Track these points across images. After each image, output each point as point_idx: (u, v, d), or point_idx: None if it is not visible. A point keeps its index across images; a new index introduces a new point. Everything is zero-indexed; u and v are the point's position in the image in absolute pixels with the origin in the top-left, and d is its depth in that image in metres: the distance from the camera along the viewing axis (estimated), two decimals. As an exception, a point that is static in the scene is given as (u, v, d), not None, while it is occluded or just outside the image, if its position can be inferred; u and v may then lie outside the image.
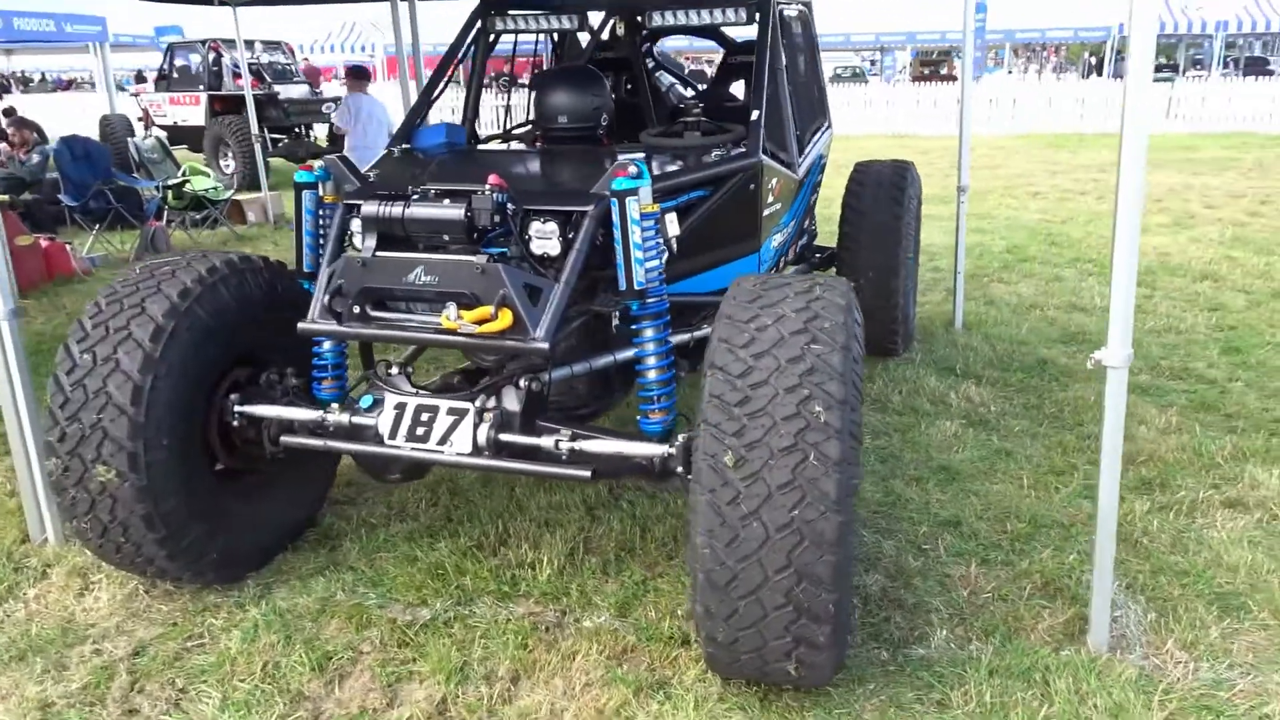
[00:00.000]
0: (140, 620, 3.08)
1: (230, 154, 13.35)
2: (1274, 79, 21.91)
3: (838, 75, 33.80)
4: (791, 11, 4.44)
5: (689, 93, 5.28)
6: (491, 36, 4.27)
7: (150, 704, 2.69)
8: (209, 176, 10.04)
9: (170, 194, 9.39)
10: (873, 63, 42.45)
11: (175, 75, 14.84)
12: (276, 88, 14.00)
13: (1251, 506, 3.63)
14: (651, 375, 2.92)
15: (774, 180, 3.67)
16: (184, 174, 9.75)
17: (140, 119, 15.86)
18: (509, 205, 2.76)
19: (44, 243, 8.07)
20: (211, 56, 14.19)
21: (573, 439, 2.78)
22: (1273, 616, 2.94)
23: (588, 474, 2.72)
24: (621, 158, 2.80)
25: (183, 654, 2.90)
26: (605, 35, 4.55)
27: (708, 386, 2.36)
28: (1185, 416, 4.50)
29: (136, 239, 9.00)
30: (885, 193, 5.17)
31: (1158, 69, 31.60)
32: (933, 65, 36.76)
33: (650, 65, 5.19)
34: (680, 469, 2.68)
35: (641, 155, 2.96)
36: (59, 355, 2.92)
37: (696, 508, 2.32)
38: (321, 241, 3.12)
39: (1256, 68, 29.55)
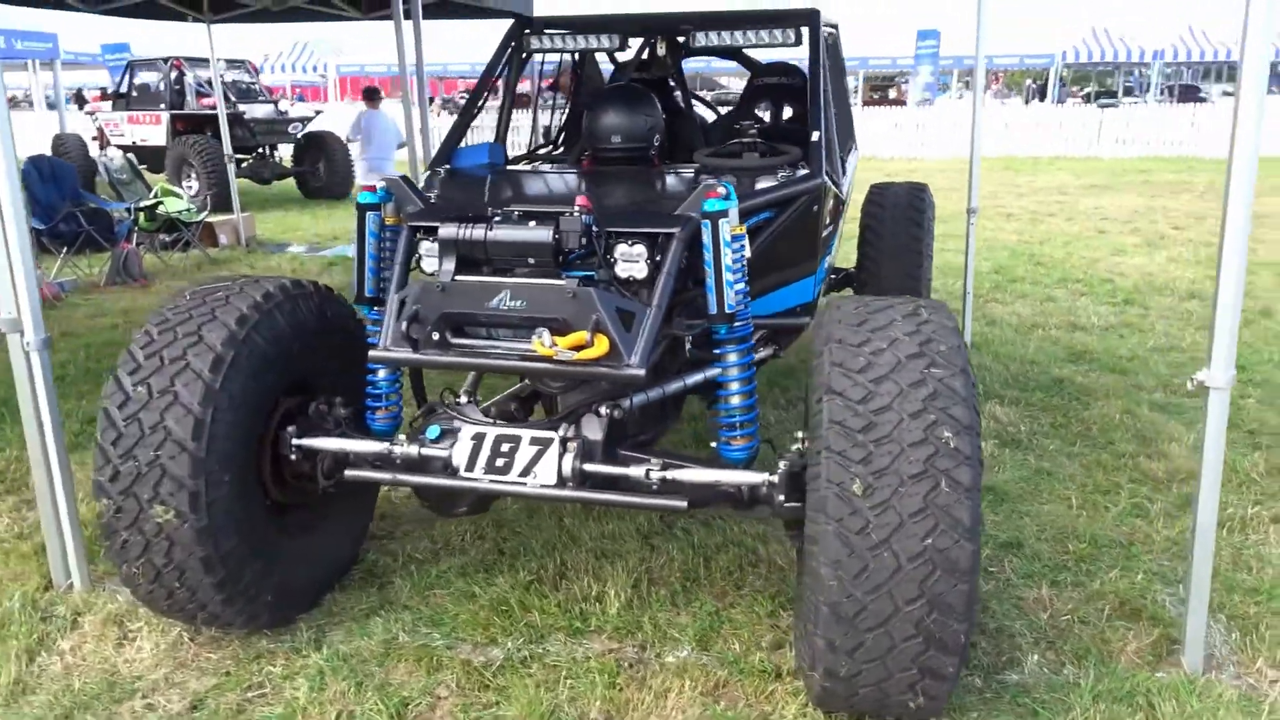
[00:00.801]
0: (190, 670, 2.90)
1: (194, 174, 13.00)
2: (1210, 106, 22.70)
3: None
4: (826, 34, 4.44)
5: (710, 115, 5.25)
6: (525, 55, 4.19)
7: (221, 760, 2.52)
8: (181, 198, 9.74)
9: (142, 216, 9.08)
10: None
11: (134, 94, 14.42)
12: (241, 107, 13.69)
13: (1299, 522, 3.68)
14: (735, 400, 2.85)
15: (829, 202, 3.64)
16: (156, 195, 9.43)
17: (95, 138, 15.40)
18: (594, 227, 2.68)
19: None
20: (174, 75, 13.82)
21: (664, 468, 2.68)
22: (1351, 633, 2.95)
23: (684, 504, 2.63)
24: (709, 181, 2.73)
25: (245, 705, 2.72)
26: (644, 56, 4.50)
27: (827, 412, 2.30)
28: (1211, 434, 4.56)
29: (107, 263, 8.67)
30: (904, 214, 5.19)
31: (1098, 95, 32.70)
32: (882, 89, 37.57)
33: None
34: (782, 497, 2.59)
35: (712, 175, 2.90)
36: (108, 388, 2.74)
37: (820, 538, 2.24)
38: (384, 265, 3.00)
39: (1189, 95, 30.71)
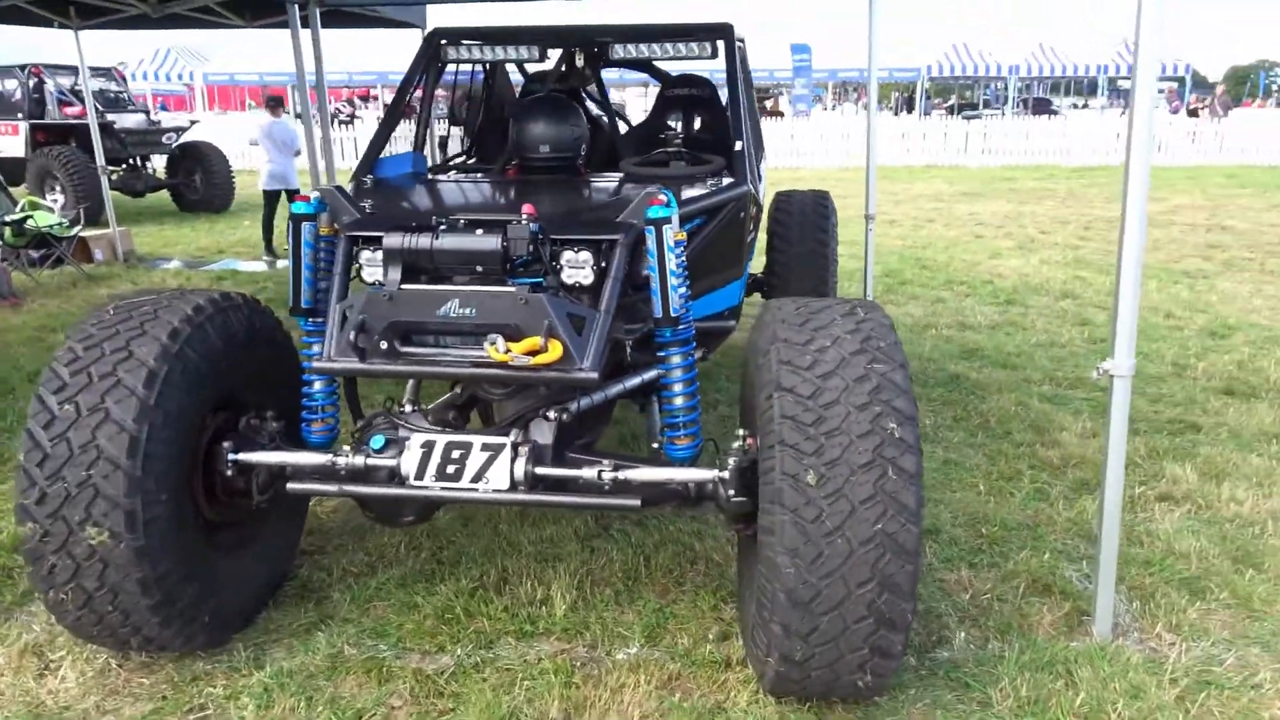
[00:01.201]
0: (122, 697, 2.79)
1: (59, 188, 12.28)
2: (1061, 119, 24.27)
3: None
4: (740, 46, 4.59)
5: (622, 125, 5.34)
6: (441, 66, 4.18)
7: (170, 787, 2.43)
8: (52, 212, 9.19)
9: (9, 231, 8.53)
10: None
11: (-13, 102, 13.52)
12: (110, 116, 12.99)
13: (1179, 499, 4.02)
14: (679, 401, 2.94)
15: (753, 208, 3.78)
16: (23, 209, 8.87)
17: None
18: (540, 234, 2.72)
19: None
20: (33, 82, 13.02)
21: (615, 469, 2.74)
22: (1232, 596, 3.26)
23: (637, 503, 2.69)
24: (650, 189, 2.82)
25: (189, 729, 2.64)
26: (563, 67, 4.55)
27: (778, 408, 2.41)
28: (1095, 422, 4.93)
29: (-28, 280, 8.11)
30: (810, 221, 5.40)
31: (961, 108, 34.53)
32: (760, 101, 38.56)
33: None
34: (731, 492, 2.69)
35: (637, 183, 2.99)
36: (32, 407, 2.62)
37: (776, 528, 2.35)
38: (320, 275, 2.96)
39: (1041, 108, 32.74)
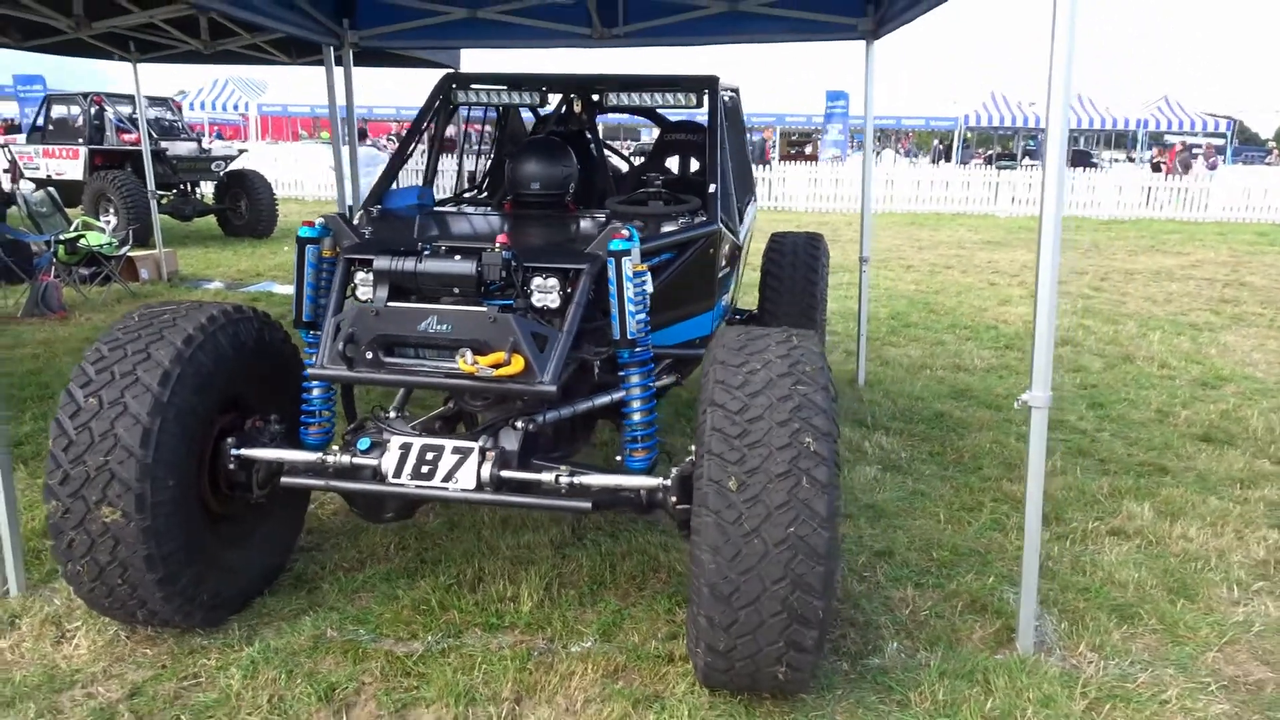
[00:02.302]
0: (127, 664, 3.11)
1: (112, 209, 12.95)
2: (1098, 171, 24.36)
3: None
4: (727, 97, 4.94)
5: (624, 166, 5.70)
6: (452, 107, 4.57)
7: (159, 739, 2.74)
8: (103, 232, 9.77)
9: (62, 249, 9.09)
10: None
11: (51, 127, 14.31)
12: (164, 144, 13.70)
13: (1131, 534, 4.21)
14: (637, 417, 3.23)
15: (725, 246, 4.08)
16: (77, 229, 9.45)
17: (6, 170, 15.16)
18: (513, 261, 3.05)
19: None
20: (94, 110, 13.79)
21: (571, 474, 3.04)
22: (1160, 622, 3.45)
23: (588, 505, 2.98)
24: (614, 224, 3.14)
25: (182, 693, 2.95)
26: (563, 111, 4.93)
27: (709, 421, 2.69)
28: (1067, 461, 5.12)
29: (24, 294, 8.66)
30: (802, 260, 5.69)
31: (998, 158, 34.66)
32: (798, 145, 39.00)
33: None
34: (674, 499, 2.97)
35: (634, 222, 3.31)
36: (62, 399, 2.98)
37: (701, 528, 2.62)
38: (321, 293, 3.31)
39: (1081, 160, 32.78)
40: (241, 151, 16.22)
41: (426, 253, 3.06)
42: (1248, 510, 4.50)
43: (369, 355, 3.01)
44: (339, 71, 6.43)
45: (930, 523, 4.30)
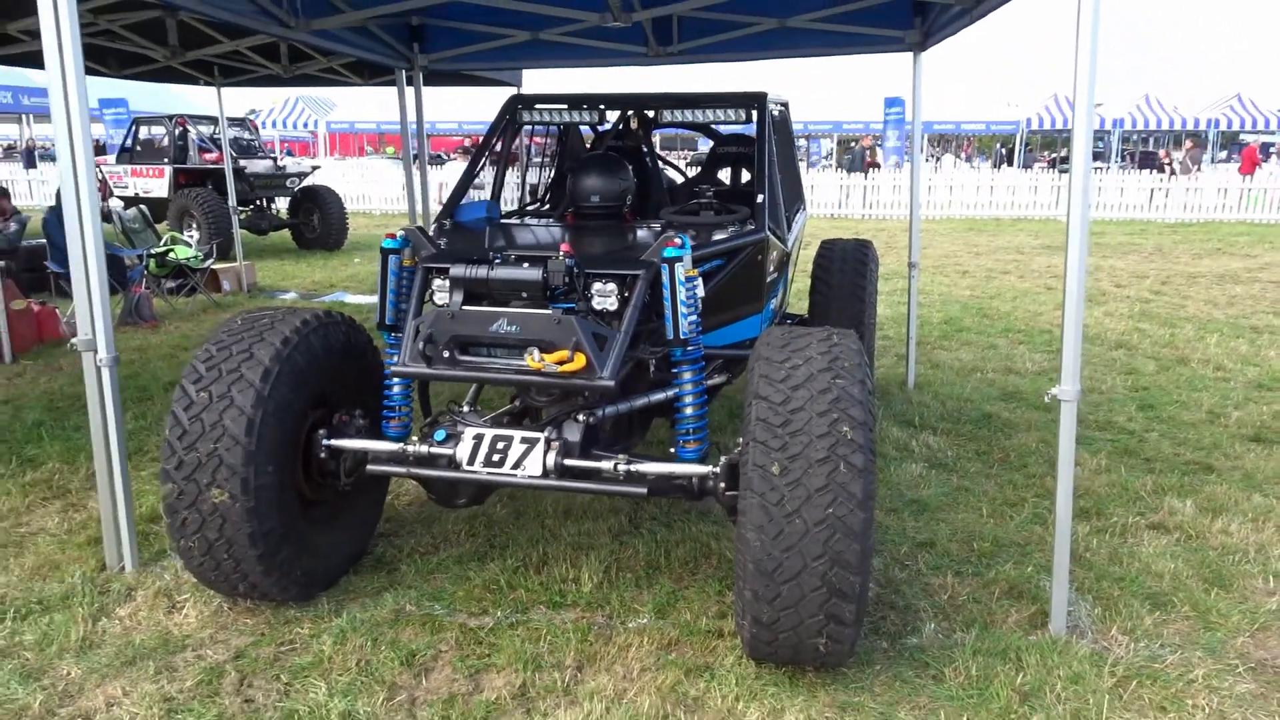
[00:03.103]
0: (231, 631, 3.47)
1: (195, 224, 13.66)
2: (1164, 174, 23.91)
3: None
4: (776, 111, 5.18)
5: (679, 177, 5.99)
6: (518, 126, 4.90)
7: (263, 695, 3.08)
8: (190, 246, 10.38)
9: (153, 262, 9.70)
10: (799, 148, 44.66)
11: (139, 148, 15.14)
12: (242, 162, 14.40)
13: (1171, 529, 4.33)
14: (689, 411, 3.49)
15: (774, 253, 4.33)
16: (166, 243, 10.07)
17: (98, 189, 16.05)
18: (575, 268, 3.34)
19: (35, 307, 8.32)
20: (178, 131, 14.56)
21: (629, 463, 3.32)
22: (1193, 610, 3.59)
23: (644, 491, 3.25)
24: (667, 233, 3.41)
25: (280, 656, 3.29)
26: (620, 128, 5.23)
27: (754, 412, 2.94)
28: (1112, 460, 5.24)
29: (120, 305, 9.26)
30: (850, 266, 5.90)
31: (1060, 161, 34.14)
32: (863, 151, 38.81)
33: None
34: (723, 485, 3.23)
35: (674, 229, 3.58)
36: (176, 394, 3.35)
37: (747, 509, 2.87)
38: (402, 299, 3.65)
39: (1148, 162, 32.11)
40: (315, 168, 16.92)
41: (497, 261, 3.37)
42: (1292, 507, 4.58)
43: (446, 354, 3.33)
44: (409, 92, 6.83)
45: (972, 516, 4.48)
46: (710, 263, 3.90)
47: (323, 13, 5.31)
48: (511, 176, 5.74)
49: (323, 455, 3.59)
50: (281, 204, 16.06)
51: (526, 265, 3.33)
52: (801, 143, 44.55)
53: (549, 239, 4.06)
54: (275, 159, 16.02)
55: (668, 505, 4.50)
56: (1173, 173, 23.33)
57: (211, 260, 10.48)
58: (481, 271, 3.36)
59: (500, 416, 3.92)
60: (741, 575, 2.92)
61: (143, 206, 11.05)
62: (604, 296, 3.41)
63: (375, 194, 23.16)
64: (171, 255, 9.79)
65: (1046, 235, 17.65)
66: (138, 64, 8.33)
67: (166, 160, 14.60)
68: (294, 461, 3.53)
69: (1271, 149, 30.90)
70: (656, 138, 5.53)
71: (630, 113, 5.04)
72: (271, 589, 3.49)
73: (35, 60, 7.97)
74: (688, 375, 3.48)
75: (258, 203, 15.06)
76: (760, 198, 4.18)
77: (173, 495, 3.31)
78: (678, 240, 3.36)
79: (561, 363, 3.17)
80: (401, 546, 4.15)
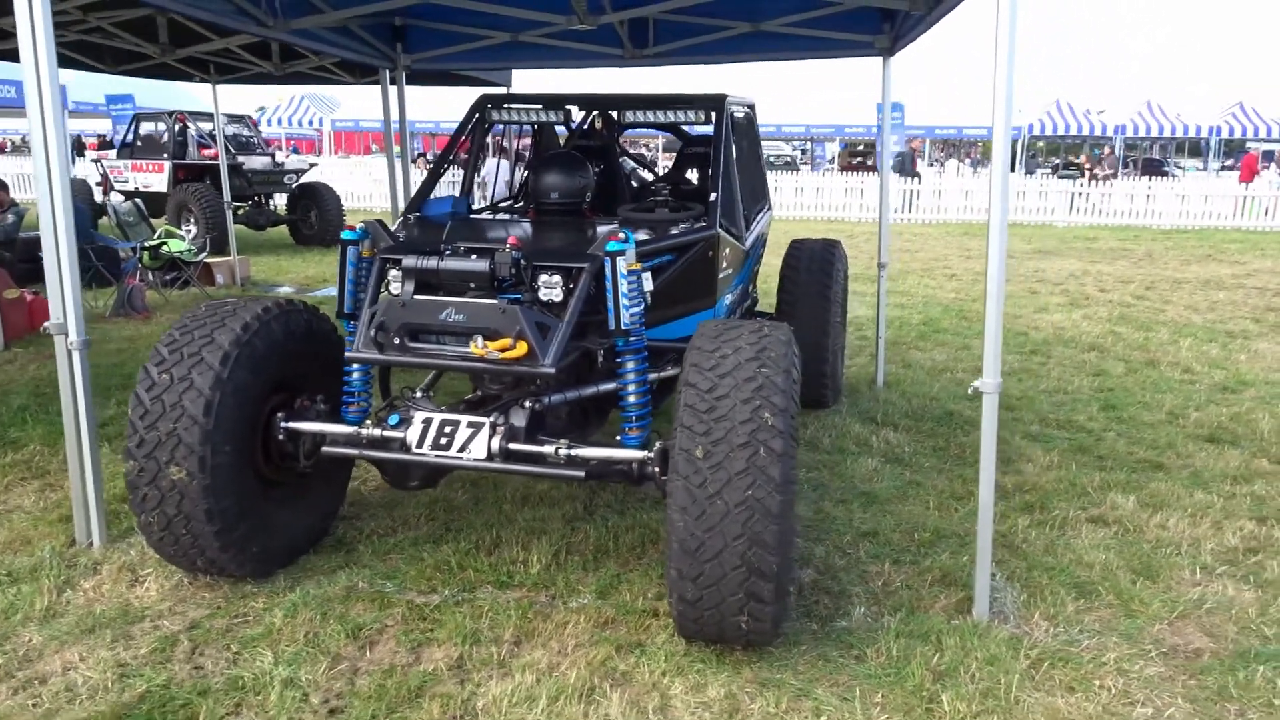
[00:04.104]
0: (189, 604, 3.61)
1: (193, 219, 13.84)
2: (1166, 180, 23.96)
3: (771, 163, 35.78)
4: (740, 112, 5.32)
5: (649, 175, 6.13)
6: (487, 125, 5.05)
7: (212, 663, 3.22)
8: (183, 240, 10.55)
9: (146, 255, 9.87)
10: (803, 151, 44.76)
11: (139, 143, 15.34)
12: (240, 158, 14.59)
13: (1110, 523, 4.46)
14: (632, 399, 3.63)
15: (727, 250, 4.47)
16: (160, 236, 10.24)
17: (99, 183, 16.28)
18: (522, 261, 3.49)
19: (29, 296, 8.49)
20: (178, 127, 14.76)
21: (569, 447, 3.46)
22: (1117, 599, 3.71)
23: (581, 474, 3.40)
24: (611, 227, 3.55)
25: (233, 627, 3.44)
26: (585, 127, 5.38)
27: (682, 399, 3.08)
28: (1065, 457, 5.36)
29: (112, 296, 9.45)
30: (817, 265, 6.03)
31: (1064, 167, 34.20)
32: (859, 156, 38.91)
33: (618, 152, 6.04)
34: (656, 470, 3.37)
35: (630, 225, 3.72)
36: (140, 375, 3.51)
37: (673, 491, 3.01)
38: (360, 288, 3.79)
39: (1153, 169, 32.12)
40: (312, 165, 17.10)
41: (447, 253, 3.51)
42: (1232, 504, 4.69)
43: (396, 341, 3.48)
44: (393, 91, 6.98)
45: (919, 509, 4.61)
46: (659, 257, 4.03)
47: (302, 12, 5.47)
48: (503, 174, 5.88)
49: (280, 438, 3.73)
50: (280, 201, 16.24)
51: (474, 257, 3.47)
52: (805, 146, 44.74)
53: (502, 234, 4.21)
54: (273, 156, 16.21)
55: (622, 493, 4.64)
56: (1093, 177, 23.72)
57: (204, 254, 10.65)
58: (432, 263, 3.50)
59: (457, 404, 4.06)
60: (669, 555, 3.06)
61: (138, 200, 11.24)
62: (550, 288, 3.55)
63: (379, 192, 23.34)
64: (165, 248, 9.96)
65: (1039, 240, 17.75)
66: (133, 60, 8.50)
67: (166, 156, 14.80)
68: (253, 442, 3.68)
69: (1273, 157, 30.90)
70: (628, 138, 5.65)
71: (595, 113, 5.18)
72: (228, 565, 3.64)
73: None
74: (630, 365, 3.62)
75: (256, 199, 15.25)
76: (713, 196, 4.32)
77: (134, 472, 3.46)
78: (621, 235, 3.50)
79: (504, 350, 3.31)
80: (362, 528, 4.29)
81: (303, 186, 15.55)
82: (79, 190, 15.33)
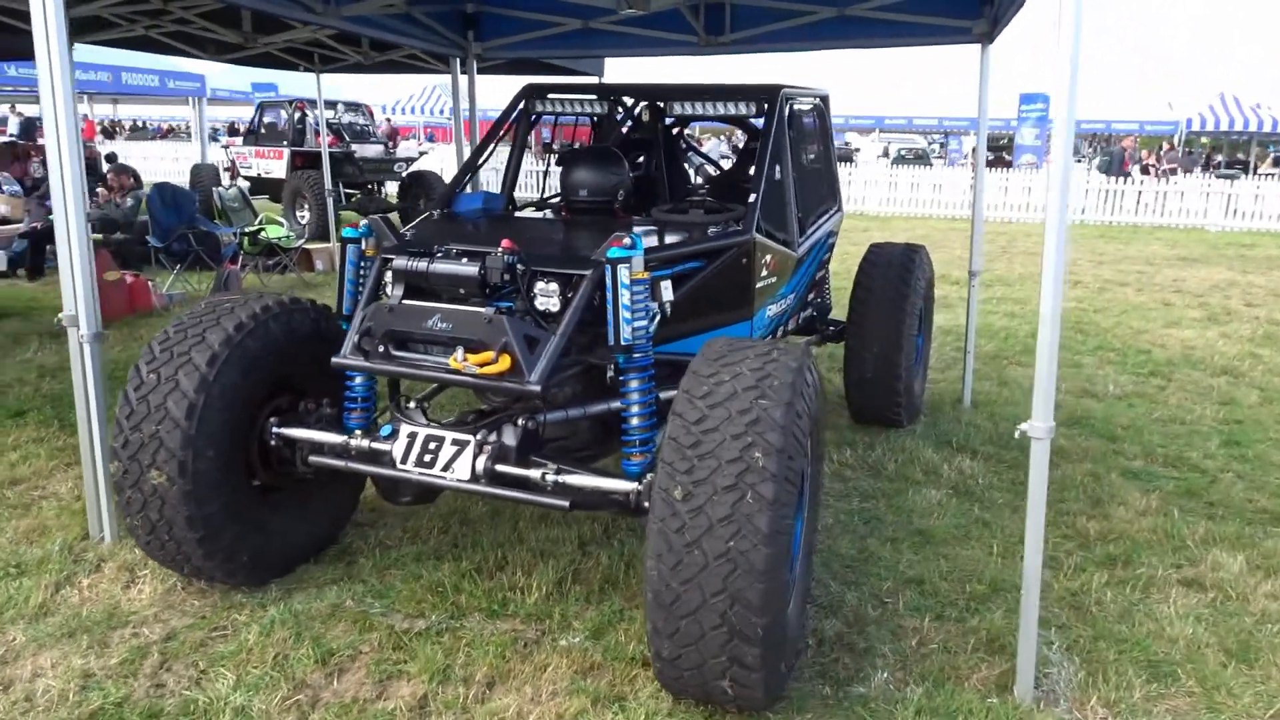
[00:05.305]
0: (175, 611, 3.50)
1: (306, 205, 14.24)
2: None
3: (901, 157, 34.33)
4: (804, 105, 4.87)
5: (715, 172, 5.74)
6: (533, 116, 4.78)
7: (175, 680, 3.08)
8: (282, 226, 10.80)
9: (246, 240, 10.13)
10: (942, 144, 42.82)
11: (263, 130, 15.92)
12: (354, 146, 14.92)
13: (1208, 586, 3.82)
14: (634, 422, 3.29)
15: (768, 256, 4.05)
16: (260, 222, 10.50)
17: (227, 169, 17.02)
18: (519, 265, 3.19)
19: (129, 279, 8.82)
20: (297, 115, 15.22)
21: (558, 473, 3.14)
22: (1199, 685, 3.13)
23: (566, 504, 3.08)
24: (620, 230, 3.21)
25: (208, 641, 3.30)
26: (634, 120, 5.04)
27: (668, 430, 2.72)
28: (1166, 501, 4.69)
29: (212, 279, 9.72)
30: (894, 273, 5.51)
31: (1228, 165, 31.43)
32: (994, 151, 36.89)
33: (683, 146, 5.68)
34: (647, 503, 3.01)
35: (647, 228, 3.37)
36: (130, 373, 3.40)
37: (650, 535, 2.66)
38: (360, 288, 3.59)
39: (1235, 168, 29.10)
40: (423, 153, 17.36)
41: (439, 254, 3.25)
42: (1367, 573, 3.96)
43: (381, 348, 3.25)
44: (463, 80, 6.82)
45: (980, 553, 4.08)
46: (685, 264, 3.67)
47: (353, -1, 5.34)
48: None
49: (273, 443, 3.57)
50: (392, 188, 16.55)
51: (465, 260, 3.20)
52: (938, 139, 42.78)
53: (520, 234, 3.92)
54: (386, 145, 16.52)
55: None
56: (1147, 171, 21.39)
57: (302, 240, 10.87)
58: (422, 265, 3.25)
59: (467, 414, 3.81)
60: (646, 605, 2.71)
61: (242, 185, 11.56)
62: (546, 296, 3.25)
63: (495, 181, 23.61)
64: (263, 234, 10.19)
65: (1186, 246, 16.25)
66: (232, 50, 8.67)
67: (285, 143, 15.29)
68: (245, 447, 3.53)
69: None
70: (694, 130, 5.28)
71: (642, 105, 4.83)
72: (215, 572, 3.51)
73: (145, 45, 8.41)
74: (634, 384, 3.28)
75: (368, 186, 15.57)
76: (753, 197, 3.91)
77: (119, 474, 3.36)
78: (627, 240, 3.15)
79: (484, 364, 3.02)
80: (370, 538, 4.11)
81: (413, 174, 15.78)
82: (207, 175, 16.07)
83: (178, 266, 9.68)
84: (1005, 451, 5.37)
